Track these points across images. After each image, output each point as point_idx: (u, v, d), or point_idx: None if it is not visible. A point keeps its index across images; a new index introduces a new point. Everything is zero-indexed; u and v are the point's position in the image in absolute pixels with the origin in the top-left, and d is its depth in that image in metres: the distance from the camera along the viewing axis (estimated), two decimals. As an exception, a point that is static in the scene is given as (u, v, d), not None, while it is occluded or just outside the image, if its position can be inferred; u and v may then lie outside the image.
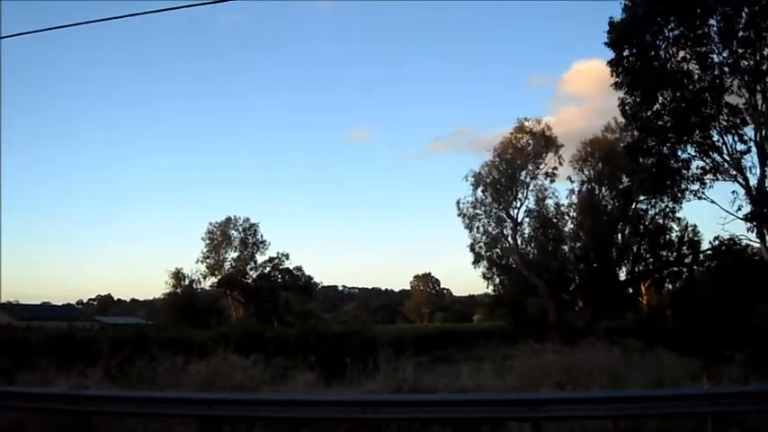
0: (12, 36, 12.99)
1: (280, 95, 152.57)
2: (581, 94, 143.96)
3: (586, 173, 56.31)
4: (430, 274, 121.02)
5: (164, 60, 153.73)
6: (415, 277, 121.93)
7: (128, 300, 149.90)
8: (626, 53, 33.58)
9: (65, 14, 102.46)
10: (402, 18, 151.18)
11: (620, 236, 54.85)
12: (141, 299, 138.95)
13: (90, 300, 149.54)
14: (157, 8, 12.02)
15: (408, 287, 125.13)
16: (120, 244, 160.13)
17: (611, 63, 33.66)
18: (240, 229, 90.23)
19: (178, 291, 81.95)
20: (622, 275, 54.94)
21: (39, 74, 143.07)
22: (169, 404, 12.89)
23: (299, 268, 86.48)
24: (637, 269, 54.07)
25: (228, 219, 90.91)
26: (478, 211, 58.29)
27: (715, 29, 31.61)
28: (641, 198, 51.64)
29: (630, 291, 55.15)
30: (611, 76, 33.77)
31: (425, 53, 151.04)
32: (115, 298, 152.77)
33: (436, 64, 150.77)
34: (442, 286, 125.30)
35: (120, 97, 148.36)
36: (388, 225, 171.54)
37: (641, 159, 37.58)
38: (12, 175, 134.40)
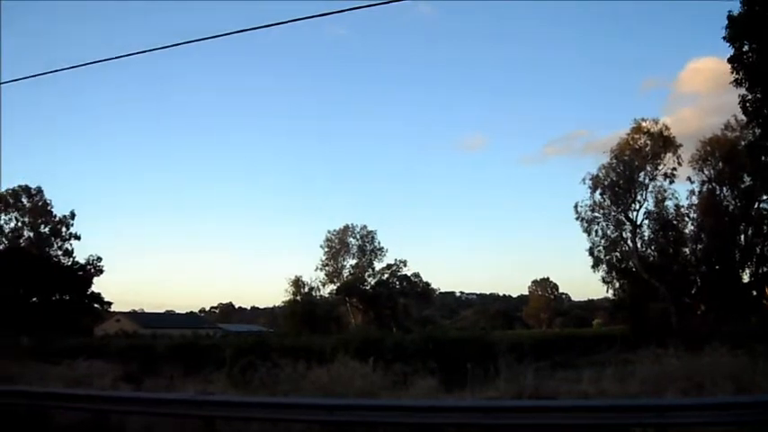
0: (134, 54, 14.12)
1: (393, 103, 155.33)
2: (696, 93, 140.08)
3: (706, 173, 56.03)
4: (548, 278, 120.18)
5: (282, 74, 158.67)
6: (533, 282, 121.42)
7: (248, 308, 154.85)
8: (746, 48, 32.86)
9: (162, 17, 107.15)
10: (512, 19, 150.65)
11: (742, 237, 54.13)
12: (261, 307, 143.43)
13: (212, 308, 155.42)
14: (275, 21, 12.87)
15: (526, 292, 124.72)
16: (240, 253, 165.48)
17: (731, 60, 33.14)
18: (358, 236, 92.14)
19: (298, 298, 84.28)
20: (746, 277, 54.06)
21: (175, 89, 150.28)
22: (292, 409, 13.55)
23: (416, 275, 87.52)
24: (761, 271, 53.07)
25: (346, 226, 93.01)
26: (597, 215, 58.50)
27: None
28: (764, 197, 50.75)
29: (754, 293, 53.81)
30: (731, 72, 33.28)
31: (537, 57, 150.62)
32: (236, 306, 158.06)
33: (548, 68, 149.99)
34: (560, 291, 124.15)
35: (241, 109, 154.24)
36: (504, 231, 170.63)
37: (763, 158, 36.60)
38: (139, 186, 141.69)
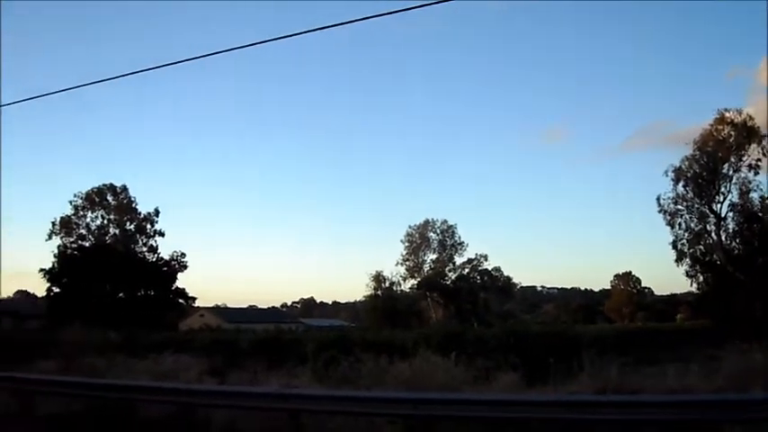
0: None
1: (473, 97, 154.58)
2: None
3: (792, 163, 54.17)
4: (630, 272, 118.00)
5: (358, 69, 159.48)
6: (615, 276, 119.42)
7: (329, 302, 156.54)
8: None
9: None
10: (591, 8, 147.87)
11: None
12: (343, 301, 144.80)
13: (294, 303, 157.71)
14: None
15: (608, 286, 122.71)
16: (322, 248, 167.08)
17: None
18: (438, 231, 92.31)
19: (379, 293, 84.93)
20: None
21: (263, 85, 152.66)
22: (376, 403, 13.67)
23: (497, 269, 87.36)
24: None
25: (427, 221, 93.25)
26: (680, 207, 57.80)
27: None
28: None
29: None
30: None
31: (618, 47, 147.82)
32: (318, 301, 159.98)
33: (629, 58, 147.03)
34: (642, 285, 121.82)
35: (320, 104, 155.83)
36: (586, 224, 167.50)
37: None
38: (222, 182, 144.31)
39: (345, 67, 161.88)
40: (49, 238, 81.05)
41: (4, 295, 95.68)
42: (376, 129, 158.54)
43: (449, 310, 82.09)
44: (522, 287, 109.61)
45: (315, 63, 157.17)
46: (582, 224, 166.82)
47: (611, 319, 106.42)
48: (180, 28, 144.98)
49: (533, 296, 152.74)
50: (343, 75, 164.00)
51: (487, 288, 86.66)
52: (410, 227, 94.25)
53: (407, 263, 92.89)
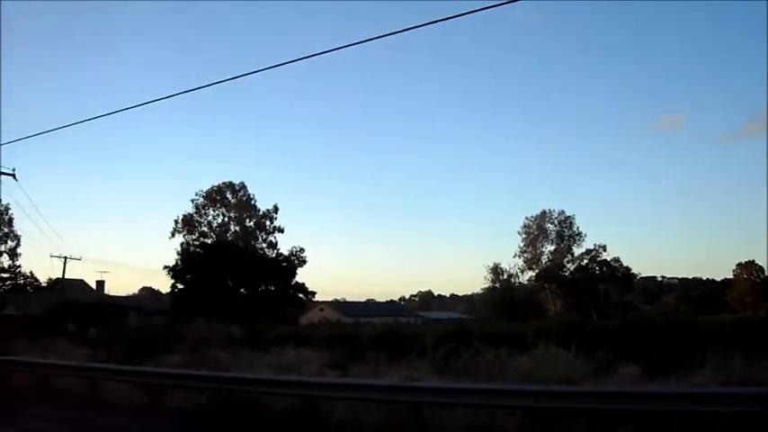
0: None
1: (589, 86, 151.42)
2: None
3: None
4: (753, 261, 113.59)
5: (475, 64, 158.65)
6: (737, 265, 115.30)
7: (447, 295, 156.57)
8: None
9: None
10: None
11: None
12: (460, 294, 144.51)
13: (411, 296, 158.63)
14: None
15: (731, 276, 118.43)
16: (439, 241, 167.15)
17: None
18: (556, 221, 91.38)
19: (497, 285, 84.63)
20: None
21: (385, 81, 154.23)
22: (496, 395, 13.67)
23: (616, 259, 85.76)
24: None
25: (544, 212, 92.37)
26: None
27: None
28: None
29: None
30: None
31: (736, 30, 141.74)
32: (435, 294, 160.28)
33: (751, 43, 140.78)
34: (767, 274, 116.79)
35: (438, 97, 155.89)
36: (706, 212, 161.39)
37: None
38: (338, 177, 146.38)
39: (457, 62, 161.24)
40: (173, 236, 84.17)
41: (131, 292, 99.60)
42: (491, 121, 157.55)
43: (567, 302, 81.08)
44: (641, 277, 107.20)
45: (418, 60, 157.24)
46: (703, 212, 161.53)
47: (733, 310, 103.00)
48: (286, 28, 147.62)
49: (653, 286, 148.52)
50: (452, 71, 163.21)
51: (606, 279, 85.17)
52: (527, 218, 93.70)
53: (525, 254, 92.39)
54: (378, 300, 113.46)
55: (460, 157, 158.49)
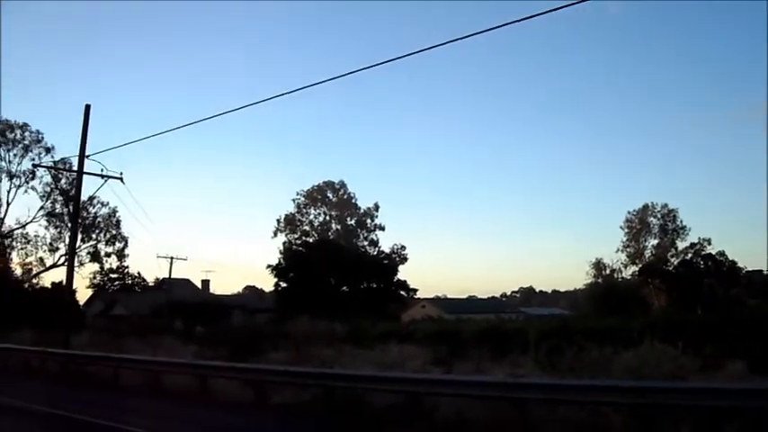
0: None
1: (689, 70, 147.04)
2: None
3: None
4: None
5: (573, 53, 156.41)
6: None
7: (549, 291, 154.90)
8: None
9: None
10: None
11: None
12: (562, 290, 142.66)
13: (513, 292, 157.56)
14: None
15: None
16: (540, 236, 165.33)
17: None
18: (659, 215, 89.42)
19: (599, 281, 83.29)
20: None
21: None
22: (601, 392, 13.49)
23: (721, 253, 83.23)
24: None
25: (646, 206, 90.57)
26: None
27: None
28: None
29: None
30: None
31: None
32: (536, 290, 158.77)
33: None
34: None
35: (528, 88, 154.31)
36: None
37: None
38: (438, 173, 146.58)
39: (551, 63, 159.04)
40: (275, 235, 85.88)
41: (235, 291, 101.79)
42: (591, 114, 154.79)
43: (671, 297, 79.12)
44: (747, 271, 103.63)
45: (518, 61, 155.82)
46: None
47: None
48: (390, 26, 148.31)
49: (760, 280, 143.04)
50: (545, 72, 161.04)
51: (711, 273, 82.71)
52: (629, 212, 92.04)
53: (628, 249, 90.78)
54: (479, 296, 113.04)
55: (561, 152, 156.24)
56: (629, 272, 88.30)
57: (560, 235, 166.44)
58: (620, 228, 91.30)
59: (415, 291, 77.26)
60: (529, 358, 18.69)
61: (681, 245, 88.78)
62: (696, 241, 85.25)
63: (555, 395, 14.05)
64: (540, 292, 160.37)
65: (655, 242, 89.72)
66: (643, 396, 12.76)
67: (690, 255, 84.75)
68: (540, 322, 33.35)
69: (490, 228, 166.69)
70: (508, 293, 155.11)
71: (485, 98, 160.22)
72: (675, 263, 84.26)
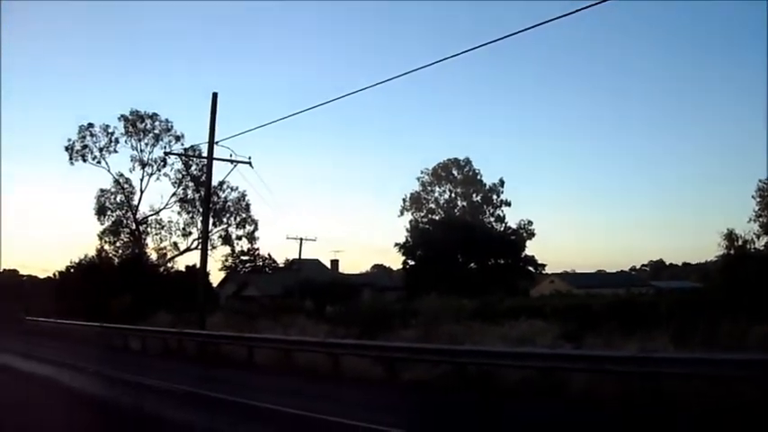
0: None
1: None
2: None
3: None
4: None
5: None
6: None
7: (679, 264, 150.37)
8: None
9: None
10: None
11: None
12: (693, 262, 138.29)
13: (642, 266, 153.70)
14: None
15: None
16: (669, 208, 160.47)
17: None
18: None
19: (731, 252, 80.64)
20: None
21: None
22: (734, 366, 13.18)
23: None
24: None
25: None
26: None
27: None
28: None
29: None
30: None
31: None
32: (666, 263, 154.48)
33: None
34: None
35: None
36: None
37: None
38: (564, 144, 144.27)
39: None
40: (401, 213, 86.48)
41: (363, 270, 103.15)
42: (722, 78, 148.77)
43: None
44: None
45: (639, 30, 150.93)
46: None
47: None
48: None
49: None
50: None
51: None
52: (761, 181, 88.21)
53: (760, 219, 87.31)
54: (608, 270, 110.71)
55: (690, 123, 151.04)
56: (762, 242, 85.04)
57: (691, 207, 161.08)
58: (752, 197, 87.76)
59: (543, 266, 76.73)
60: (661, 332, 18.40)
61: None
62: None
63: (686, 369, 13.86)
64: (671, 264, 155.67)
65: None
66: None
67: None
68: (671, 296, 32.63)
69: (618, 200, 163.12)
70: (637, 267, 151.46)
71: (612, 66, 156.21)
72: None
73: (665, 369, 14.12)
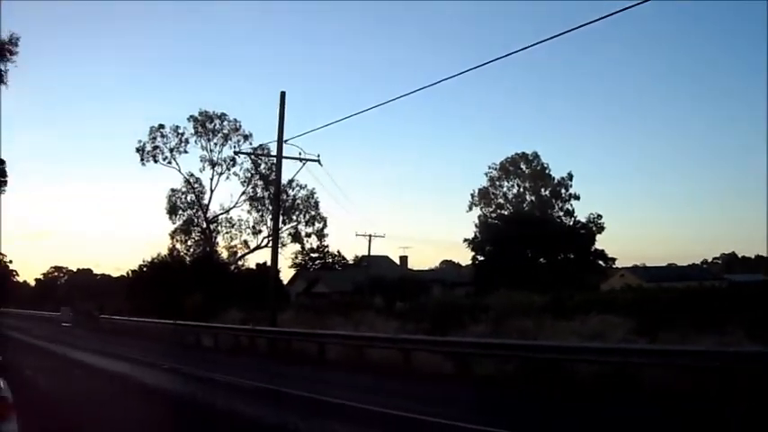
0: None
1: None
2: None
3: None
4: None
5: None
6: None
7: (752, 257, 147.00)
8: None
9: None
10: None
11: None
12: (766, 255, 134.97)
13: (714, 259, 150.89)
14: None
15: None
16: (743, 200, 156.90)
17: None
18: None
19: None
20: None
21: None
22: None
23: None
24: None
25: None
26: None
27: None
28: None
29: None
30: None
31: None
32: (739, 256, 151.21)
33: None
34: None
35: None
36: None
37: None
38: (632, 137, 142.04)
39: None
40: (470, 209, 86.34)
41: (432, 266, 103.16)
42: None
43: None
44: None
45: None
46: None
47: None
48: None
49: None
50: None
51: None
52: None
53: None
54: (679, 264, 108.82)
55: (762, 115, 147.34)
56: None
57: (763, 198, 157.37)
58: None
59: (613, 260, 75.79)
60: (736, 326, 18.11)
61: None
62: None
63: (764, 364, 13.61)
64: (743, 257, 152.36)
65: None
66: None
67: None
68: (745, 289, 31.97)
69: (690, 192, 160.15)
70: (709, 260, 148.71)
71: (679, 62, 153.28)
72: None
73: (741, 363, 13.93)
